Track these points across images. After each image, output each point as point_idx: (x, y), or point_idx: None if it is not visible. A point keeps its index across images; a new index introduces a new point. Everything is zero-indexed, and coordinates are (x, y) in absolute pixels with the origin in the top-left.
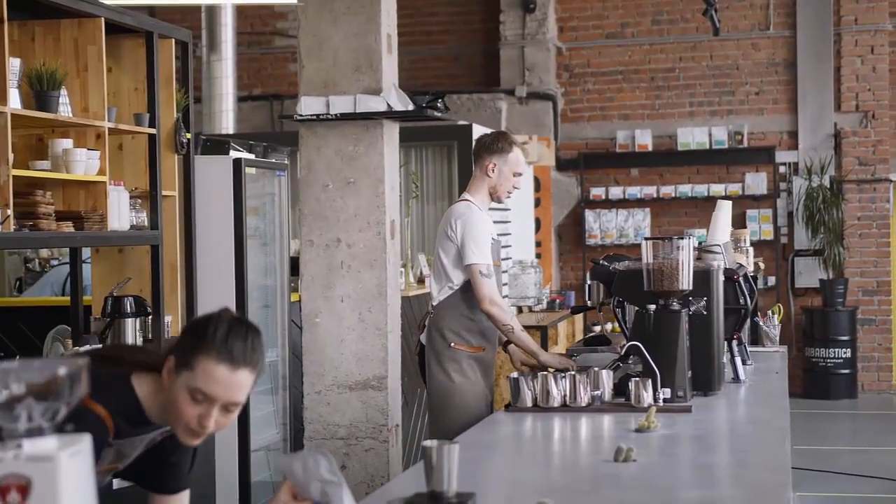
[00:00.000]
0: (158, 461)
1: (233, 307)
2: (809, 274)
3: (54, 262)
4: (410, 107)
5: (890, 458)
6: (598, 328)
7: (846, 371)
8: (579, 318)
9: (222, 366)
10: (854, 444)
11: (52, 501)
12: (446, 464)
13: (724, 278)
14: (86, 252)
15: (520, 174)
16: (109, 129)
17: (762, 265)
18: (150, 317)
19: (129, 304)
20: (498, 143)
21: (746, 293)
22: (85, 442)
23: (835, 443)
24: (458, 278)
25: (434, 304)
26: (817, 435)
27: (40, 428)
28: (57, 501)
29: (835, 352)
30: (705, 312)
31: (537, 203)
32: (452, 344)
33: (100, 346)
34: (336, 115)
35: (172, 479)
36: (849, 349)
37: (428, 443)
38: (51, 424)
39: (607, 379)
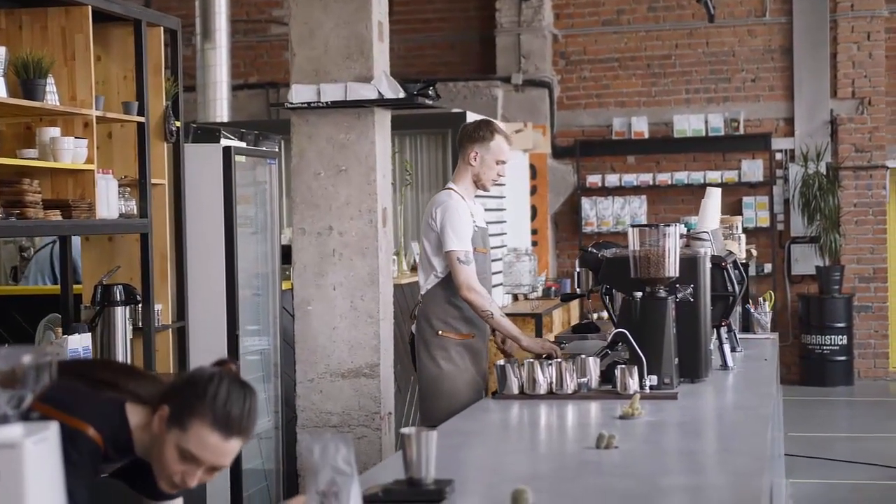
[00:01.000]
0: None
1: (223, 294)
2: (806, 261)
3: None
4: (401, 94)
5: (885, 445)
6: (595, 315)
7: (842, 358)
8: (575, 305)
9: (216, 434)
10: (850, 431)
11: (17, 489)
12: (424, 451)
13: (711, 265)
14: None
15: (503, 162)
16: (98, 117)
17: (755, 252)
18: (139, 305)
19: (118, 293)
20: (479, 131)
21: (735, 280)
22: (51, 430)
23: (830, 430)
24: (441, 267)
25: (421, 293)
26: (813, 422)
27: (5, 415)
28: (22, 489)
29: (831, 339)
30: (692, 299)
31: (533, 191)
32: (440, 332)
33: (93, 360)
34: (327, 102)
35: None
36: (845, 336)
37: (406, 430)
38: (16, 412)
39: (594, 366)
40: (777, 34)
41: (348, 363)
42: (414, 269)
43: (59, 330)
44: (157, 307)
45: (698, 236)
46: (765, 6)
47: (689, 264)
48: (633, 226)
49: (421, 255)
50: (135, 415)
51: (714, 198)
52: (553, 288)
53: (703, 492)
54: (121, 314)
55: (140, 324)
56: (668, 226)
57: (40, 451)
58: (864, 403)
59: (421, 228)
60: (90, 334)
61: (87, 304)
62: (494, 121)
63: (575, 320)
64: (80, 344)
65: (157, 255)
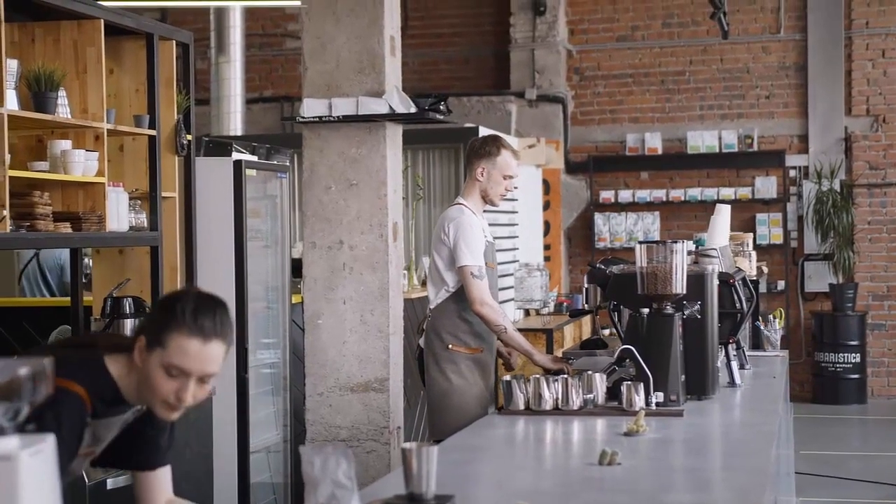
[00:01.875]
0: (136, 437)
1: (233, 308)
2: (819, 278)
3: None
4: (412, 109)
5: (894, 463)
6: (607, 332)
7: (855, 376)
8: (587, 321)
9: (194, 340)
10: (862, 449)
11: (12, 501)
12: (425, 466)
13: (720, 282)
14: None
15: (510, 177)
16: (109, 130)
17: (765, 269)
18: None
19: (128, 305)
20: (486, 146)
21: (743, 297)
22: (47, 442)
23: (843, 448)
24: (452, 281)
25: (431, 307)
26: (825, 440)
27: (1, 428)
28: (17, 501)
29: (844, 356)
30: (699, 316)
31: (546, 206)
32: (450, 346)
33: (77, 334)
34: (338, 117)
35: (151, 455)
36: (858, 354)
37: (406, 445)
38: (12, 424)
39: (600, 382)
40: (791, 51)
41: (358, 377)
42: (425, 283)
43: None
44: None
45: (707, 253)
46: (779, 23)
47: (697, 281)
48: (640, 242)
49: (431, 270)
50: (115, 364)
51: (723, 215)
52: (565, 303)
53: None
54: (130, 327)
55: None
56: (676, 242)
57: (36, 463)
58: (877, 422)
59: (432, 243)
60: (75, 336)
61: (97, 316)
62: (501, 135)
63: (587, 336)
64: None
65: (167, 267)
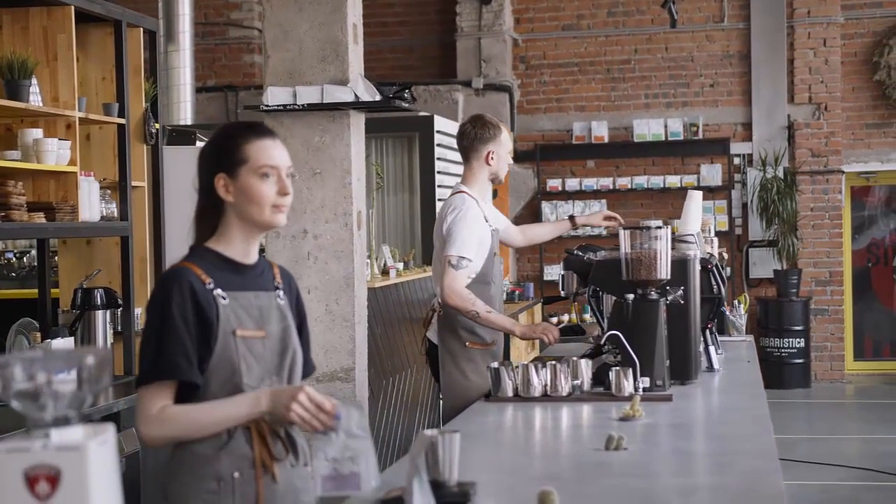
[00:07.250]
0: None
1: None
2: (763, 264)
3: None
4: (378, 97)
5: (843, 446)
6: (555, 318)
7: (800, 361)
8: (537, 309)
9: (265, 140)
10: (808, 432)
11: (81, 491)
12: (448, 453)
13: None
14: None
15: (510, 150)
16: (79, 118)
17: (726, 255)
18: (120, 308)
19: (99, 296)
20: (488, 130)
21: (720, 282)
22: (110, 432)
23: (789, 431)
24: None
25: (441, 301)
26: (773, 424)
27: (67, 417)
28: (86, 491)
29: (788, 341)
30: (682, 301)
31: (494, 195)
32: (468, 343)
33: None
34: (303, 105)
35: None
36: (802, 339)
37: (430, 432)
38: (77, 414)
39: (586, 369)
40: (735, 40)
41: (323, 367)
42: (385, 272)
43: (38, 335)
44: (137, 311)
45: (684, 239)
46: (723, 12)
47: (680, 266)
48: (624, 228)
49: (436, 264)
50: (213, 242)
51: (696, 201)
52: (517, 292)
53: (725, 491)
54: (101, 318)
55: (120, 328)
56: (660, 227)
57: (103, 452)
58: (822, 405)
59: (434, 235)
60: (72, 338)
61: (66, 308)
62: (485, 115)
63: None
64: (62, 348)
65: (136, 258)
